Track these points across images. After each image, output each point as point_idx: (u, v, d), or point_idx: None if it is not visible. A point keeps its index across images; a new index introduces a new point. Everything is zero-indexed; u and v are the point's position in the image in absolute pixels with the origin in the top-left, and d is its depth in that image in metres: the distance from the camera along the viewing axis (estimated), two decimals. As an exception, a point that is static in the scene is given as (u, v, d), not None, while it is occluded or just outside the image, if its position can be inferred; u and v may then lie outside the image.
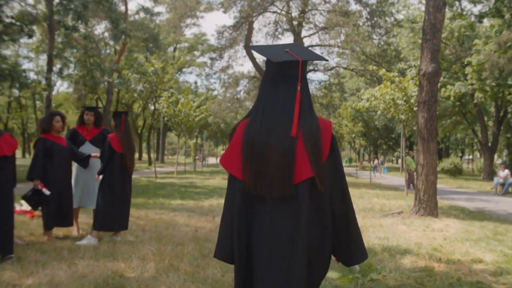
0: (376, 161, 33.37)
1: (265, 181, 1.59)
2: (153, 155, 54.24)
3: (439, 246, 5.52)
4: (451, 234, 6.49)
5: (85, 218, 6.75)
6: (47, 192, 5.12)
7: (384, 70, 12.91)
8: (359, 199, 11.63)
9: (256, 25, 22.68)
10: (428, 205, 8.40)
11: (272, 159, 1.58)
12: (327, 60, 1.84)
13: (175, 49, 42.92)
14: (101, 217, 5.22)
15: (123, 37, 21.03)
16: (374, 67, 13.37)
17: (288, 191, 1.57)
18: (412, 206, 8.80)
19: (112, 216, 5.24)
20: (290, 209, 1.58)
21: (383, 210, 9.38)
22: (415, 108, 12.54)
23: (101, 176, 5.38)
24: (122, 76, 13.55)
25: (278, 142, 1.58)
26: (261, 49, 1.75)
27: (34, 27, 20.23)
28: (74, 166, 5.72)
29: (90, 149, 5.68)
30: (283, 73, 1.63)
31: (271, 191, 1.58)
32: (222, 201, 10.27)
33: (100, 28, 33.54)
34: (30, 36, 13.89)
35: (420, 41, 24.08)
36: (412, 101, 12.75)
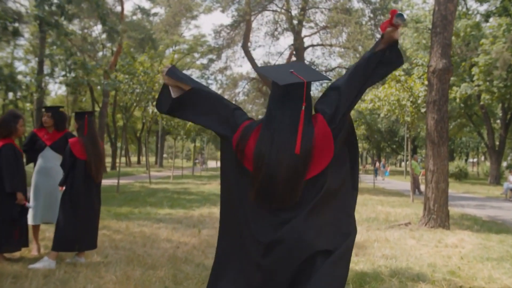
0: (377, 164, 32.52)
1: (271, 194, 1.66)
2: (152, 159, 53.49)
3: (456, 269, 4.72)
4: (467, 251, 5.69)
5: (52, 233, 5.96)
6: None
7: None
8: (362, 206, 10.82)
9: (254, 24, 21.86)
10: (439, 215, 7.58)
11: (280, 174, 1.65)
12: (330, 80, 1.94)
13: (174, 51, 42.18)
14: (61, 236, 4.44)
15: (119, 37, 20.32)
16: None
17: (292, 201, 1.65)
18: (421, 217, 8.00)
19: (74, 233, 4.46)
20: (293, 216, 1.65)
21: (388, 220, 8.59)
22: (422, 110, 11.73)
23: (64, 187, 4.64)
24: (112, 77, 12.82)
25: (285, 158, 1.66)
26: (266, 71, 1.86)
27: (24, 26, 19.59)
28: (34, 175, 4.95)
29: (51, 156, 4.89)
30: (289, 93, 1.70)
31: (274, 202, 1.66)
32: (214, 209, 9.48)
33: (98, 29, 32.93)
34: (15, 35, 13.18)
35: (424, 41, 23.52)
36: (419, 101, 11.93)
